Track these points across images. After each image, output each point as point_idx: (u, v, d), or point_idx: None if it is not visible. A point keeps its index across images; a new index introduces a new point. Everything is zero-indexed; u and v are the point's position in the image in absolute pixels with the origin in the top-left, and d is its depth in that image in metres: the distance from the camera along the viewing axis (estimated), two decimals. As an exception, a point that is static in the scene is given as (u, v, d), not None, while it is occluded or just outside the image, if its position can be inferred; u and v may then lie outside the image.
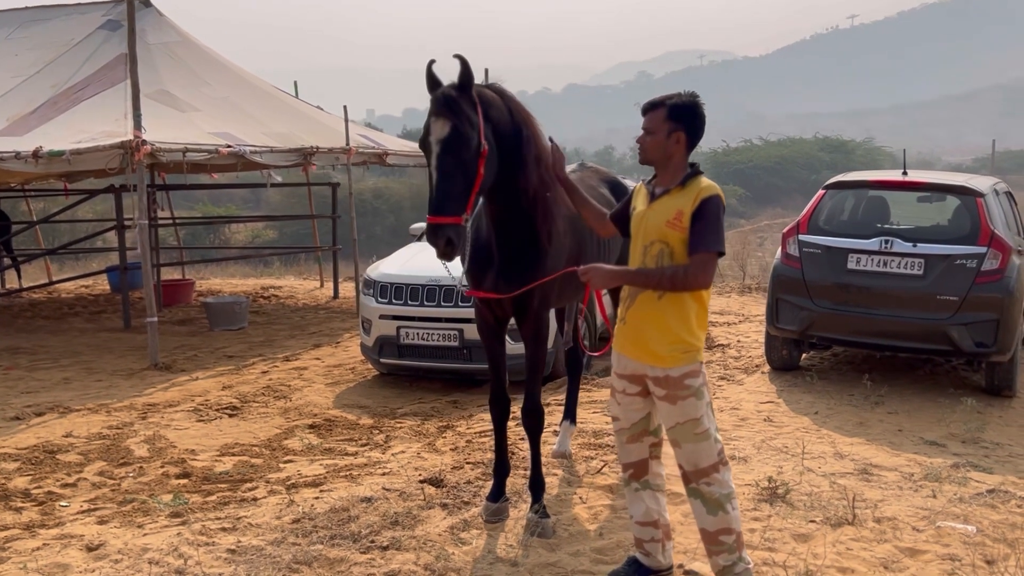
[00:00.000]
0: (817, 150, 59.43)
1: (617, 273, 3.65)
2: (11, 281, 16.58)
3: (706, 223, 3.47)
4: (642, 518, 3.87)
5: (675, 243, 3.52)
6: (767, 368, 8.07)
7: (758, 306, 12.30)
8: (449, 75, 4.03)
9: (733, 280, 15.69)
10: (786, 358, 7.88)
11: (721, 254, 3.51)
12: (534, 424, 4.69)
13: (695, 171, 3.60)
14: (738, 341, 9.44)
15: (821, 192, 7.83)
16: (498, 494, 4.77)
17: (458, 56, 3.97)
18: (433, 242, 3.85)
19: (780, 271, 7.62)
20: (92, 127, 9.88)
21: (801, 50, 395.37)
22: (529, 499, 4.71)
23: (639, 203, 3.74)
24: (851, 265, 7.26)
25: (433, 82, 4.05)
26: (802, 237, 7.53)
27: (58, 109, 10.53)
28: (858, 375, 7.62)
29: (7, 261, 16.16)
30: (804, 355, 8.23)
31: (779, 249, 7.79)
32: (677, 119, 3.55)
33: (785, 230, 7.80)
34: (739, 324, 10.64)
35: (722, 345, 9.26)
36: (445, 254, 3.86)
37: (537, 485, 4.66)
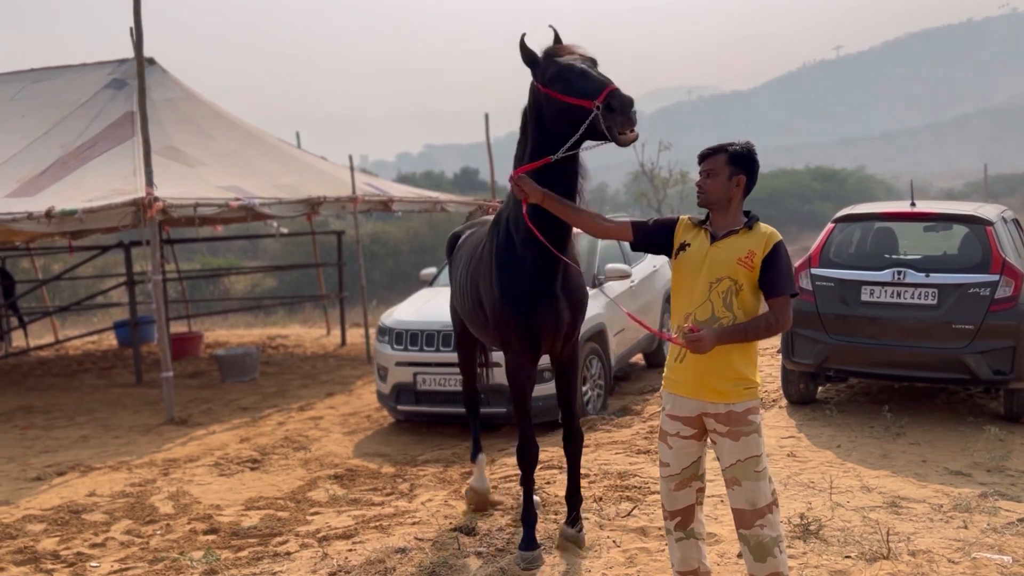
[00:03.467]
0: (809, 180, 59.81)
1: (723, 335, 3.59)
2: (18, 340, 16.59)
3: (780, 268, 3.66)
4: (682, 567, 3.85)
5: (743, 280, 3.65)
6: (784, 402, 8.08)
7: (766, 339, 12.33)
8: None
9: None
10: (803, 392, 7.90)
11: (795, 295, 3.72)
12: (579, 447, 4.98)
13: (755, 216, 3.75)
14: (752, 376, 9.45)
15: (831, 226, 7.90)
16: (531, 542, 4.79)
17: (551, 26, 4.44)
18: (627, 99, 3.97)
19: (794, 305, 7.65)
20: (102, 185, 9.98)
21: (788, 82, 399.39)
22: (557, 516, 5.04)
23: (696, 241, 3.77)
24: (865, 297, 7.31)
25: (528, 50, 4.36)
26: (814, 271, 7.59)
27: (68, 168, 10.64)
28: (877, 407, 7.64)
29: (14, 321, 16.20)
30: (820, 388, 8.25)
31: (792, 283, 7.83)
32: (737, 164, 3.69)
33: (797, 264, 7.86)
34: (751, 358, 10.66)
35: (737, 380, 9.26)
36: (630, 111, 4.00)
37: (578, 499, 4.96)
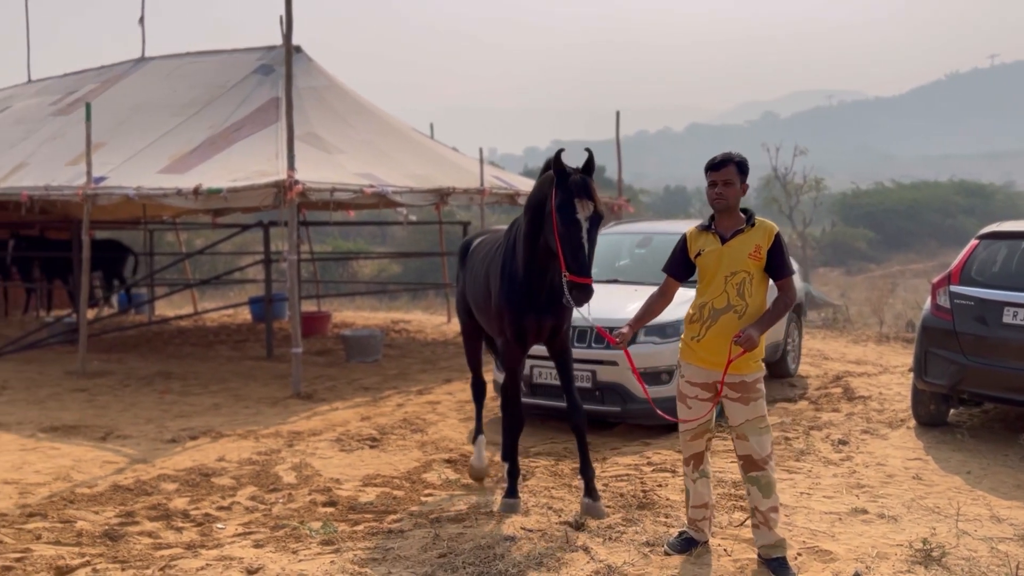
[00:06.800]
0: (953, 194, 57.09)
1: (762, 326, 4.38)
2: (160, 308, 17.55)
3: (783, 255, 4.50)
4: (697, 501, 4.77)
5: (754, 270, 4.48)
6: (912, 423, 7.78)
7: (896, 356, 11.89)
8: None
9: (869, 329, 15.22)
10: (934, 413, 7.58)
11: (792, 273, 4.62)
12: (582, 421, 5.72)
13: (751, 211, 4.55)
14: (880, 393, 9.13)
15: (974, 242, 7.55)
16: (513, 492, 5.82)
17: (588, 150, 5.03)
18: (582, 297, 4.89)
19: (930, 323, 7.37)
20: (246, 166, 10.44)
21: (936, 90, 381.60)
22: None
23: (708, 244, 4.56)
24: (1007, 319, 6.95)
25: (561, 165, 5.01)
26: (954, 288, 7.27)
27: (216, 148, 11.17)
28: (1012, 434, 7.27)
29: (158, 290, 17.12)
30: (952, 411, 7.91)
31: (928, 300, 7.54)
32: (743, 172, 4.50)
33: (935, 280, 7.56)
34: (879, 375, 10.29)
35: (863, 397, 8.96)
36: (585, 303, 4.92)
37: (590, 472, 5.65)
